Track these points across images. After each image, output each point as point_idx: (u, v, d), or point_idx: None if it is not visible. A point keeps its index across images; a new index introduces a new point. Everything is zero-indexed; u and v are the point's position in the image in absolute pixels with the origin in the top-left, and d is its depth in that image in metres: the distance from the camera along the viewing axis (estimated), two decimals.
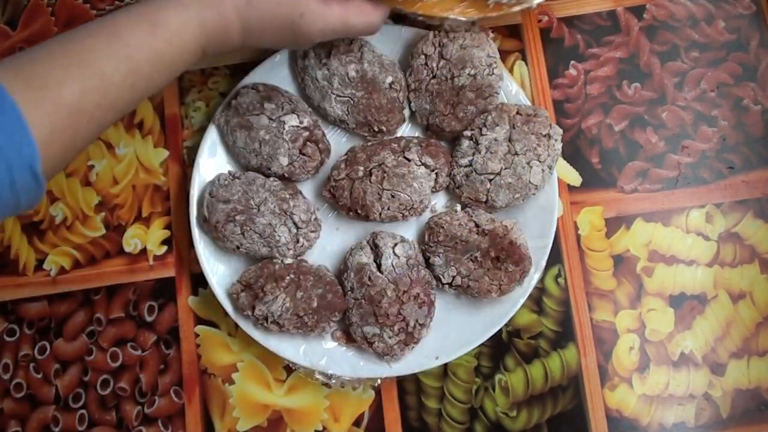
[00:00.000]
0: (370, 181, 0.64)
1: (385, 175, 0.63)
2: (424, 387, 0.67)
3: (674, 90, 0.71)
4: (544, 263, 0.64)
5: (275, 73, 0.69)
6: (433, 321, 0.64)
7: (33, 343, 0.70)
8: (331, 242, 0.68)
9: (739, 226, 0.68)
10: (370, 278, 0.62)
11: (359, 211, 0.64)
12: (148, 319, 0.70)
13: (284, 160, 0.65)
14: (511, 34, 0.73)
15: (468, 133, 0.65)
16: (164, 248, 0.71)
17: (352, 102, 0.66)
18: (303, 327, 0.62)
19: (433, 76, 0.66)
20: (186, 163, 0.72)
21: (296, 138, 0.65)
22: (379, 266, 0.63)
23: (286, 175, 0.66)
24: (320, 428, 0.67)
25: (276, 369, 0.68)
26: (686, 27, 0.73)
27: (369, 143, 0.67)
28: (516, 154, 0.62)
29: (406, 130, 0.69)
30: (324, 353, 0.64)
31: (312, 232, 0.65)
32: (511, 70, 0.72)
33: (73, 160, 0.68)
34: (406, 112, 0.68)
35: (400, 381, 0.67)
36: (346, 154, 0.66)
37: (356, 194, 0.64)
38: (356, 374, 0.64)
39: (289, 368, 0.68)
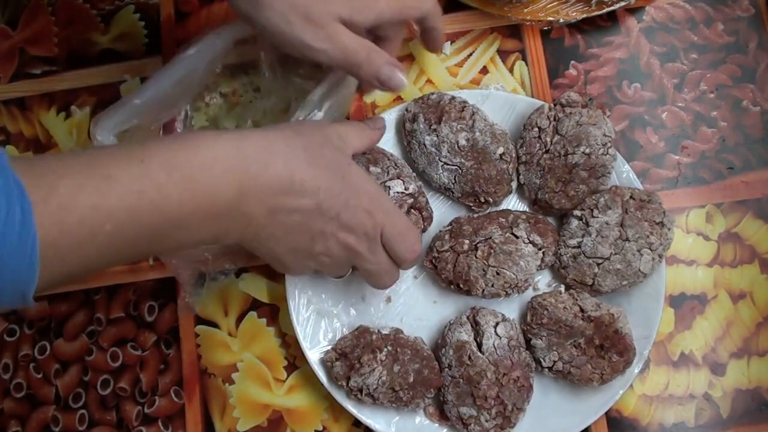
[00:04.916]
0: (476, 257, 0.62)
1: (492, 251, 0.61)
2: None
3: (674, 91, 0.71)
4: (647, 353, 0.62)
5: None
6: (529, 404, 0.62)
7: (33, 343, 0.70)
8: (427, 314, 0.66)
9: (739, 226, 0.68)
10: (470, 357, 0.60)
11: (461, 286, 0.62)
12: (149, 319, 0.70)
13: None
14: (511, 34, 0.74)
15: (578, 213, 0.63)
16: None
17: (460, 171, 0.64)
18: (397, 402, 0.61)
19: (546, 151, 0.64)
20: None
21: (401, 205, 0.63)
22: (479, 345, 0.61)
23: None
24: (320, 428, 0.66)
25: (276, 369, 0.68)
26: (685, 29, 0.73)
27: (475, 215, 0.65)
28: (627, 240, 0.61)
29: (511, 202, 0.67)
30: (416, 429, 0.63)
31: None
32: (511, 70, 0.73)
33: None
34: (514, 184, 0.66)
35: None
36: (451, 224, 0.64)
37: (460, 268, 0.62)
38: None
39: (289, 368, 0.68)
